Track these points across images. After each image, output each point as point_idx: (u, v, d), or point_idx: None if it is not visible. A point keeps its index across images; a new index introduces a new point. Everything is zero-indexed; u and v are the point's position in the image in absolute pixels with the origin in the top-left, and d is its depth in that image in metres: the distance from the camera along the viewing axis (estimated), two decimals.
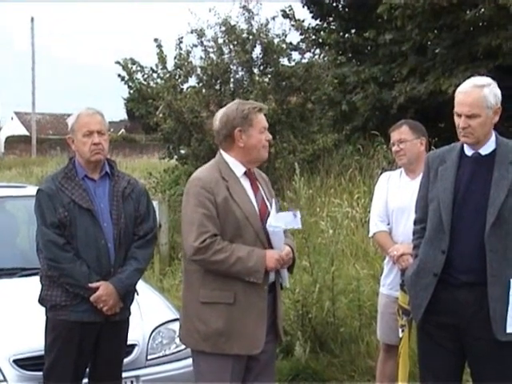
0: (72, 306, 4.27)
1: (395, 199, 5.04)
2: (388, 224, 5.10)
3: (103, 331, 4.34)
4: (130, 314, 4.53)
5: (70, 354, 4.28)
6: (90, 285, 4.23)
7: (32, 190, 6.89)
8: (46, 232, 4.26)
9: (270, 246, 3.98)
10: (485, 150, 3.89)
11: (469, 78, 3.98)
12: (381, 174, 5.69)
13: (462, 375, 4.10)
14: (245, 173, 4.09)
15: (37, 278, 4.64)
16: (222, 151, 4.13)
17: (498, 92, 3.86)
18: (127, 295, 4.43)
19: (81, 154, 4.38)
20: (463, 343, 3.89)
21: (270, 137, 4.13)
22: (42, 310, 4.45)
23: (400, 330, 4.75)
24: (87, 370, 4.47)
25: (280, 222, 3.98)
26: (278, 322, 4.12)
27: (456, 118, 3.87)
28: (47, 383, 4.35)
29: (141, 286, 4.72)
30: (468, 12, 13.32)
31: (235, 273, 3.86)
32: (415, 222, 4.20)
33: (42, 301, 4.40)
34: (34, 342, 4.65)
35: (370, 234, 5.28)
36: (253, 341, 3.93)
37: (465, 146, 3.94)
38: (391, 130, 5.16)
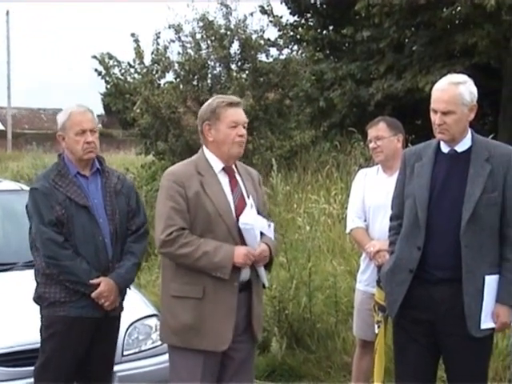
0: (71, 302, 4.26)
1: (372, 196, 5.06)
2: (365, 220, 5.12)
3: (100, 327, 4.34)
4: (122, 309, 4.54)
5: (66, 350, 4.26)
6: (92, 281, 4.23)
7: (7, 184, 6.84)
8: (44, 230, 4.23)
9: (244, 243, 3.96)
10: (461, 147, 3.91)
11: (445, 75, 4.01)
12: (358, 170, 5.71)
13: (437, 370, 4.13)
14: (223, 168, 4.07)
15: (9, 274, 4.59)
16: (203, 146, 4.13)
17: (474, 90, 3.88)
18: (122, 290, 4.45)
19: (73, 151, 4.37)
20: (437, 339, 3.92)
21: (243, 132, 4.04)
22: (17, 305, 4.41)
23: (376, 326, 4.77)
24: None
25: (253, 221, 3.95)
26: (253, 322, 4.09)
27: (432, 115, 3.90)
28: (40, 381, 4.30)
29: None
30: (445, 10, 13.40)
31: (201, 267, 3.86)
32: (391, 219, 4.22)
33: (38, 299, 4.35)
34: (10, 338, 4.62)
35: (347, 231, 5.30)
36: (219, 337, 3.92)
37: (441, 142, 3.96)
38: (368, 126, 5.17)
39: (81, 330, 4.26)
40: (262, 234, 4.06)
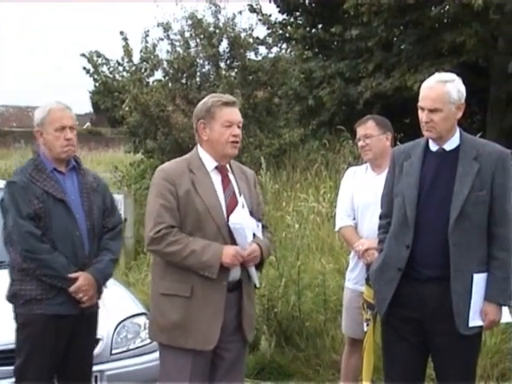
0: (48, 299, 4.20)
1: (361, 194, 5.06)
2: (354, 219, 5.12)
3: (77, 325, 4.29)
4: (99, 307, 4.50)
5: (45, 349, 4.20)
6: (71, 275, 4.18)
7: None
8: (22, 223, 4.17)
9: (234, 243, 3.94)
10: (449, 146, 3.92)
11: (434, 74, 4.02)
12: (347, 168, 5.72)
13: (426, 368, 4.13)
14: (216, 167, 4.06)
15: None
16: (197, 144, 4.12)
17: (462, 88, 3.89)
18: (100, 286, 4.41)
19: (51, 148, 4.33)
20: (426, 337, 3.93)
21: (237, 132, 4.02)
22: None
23: (365, 324, 4.78)
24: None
25: (243, 220, 3.92)
26: (243, 322, 4.05)
27: (420, 113, 3.91)
28: (21, 381, 4.24)
29: None
30: (433, 9, 13.46)
31: (189, 266, 3.85)
32: (380, 217, 4.23)
33: (12, 297, 4.27)
34: None
35: (336, 229, 5.31)
36: (206, 336, 3.90)
37: (429, 141, 3.97)
38: (357, 125, 5.18)
39: (58, 328, 4.21)
40: (255, 234, 4.05)
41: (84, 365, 4.46)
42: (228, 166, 4.14)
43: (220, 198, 3.99)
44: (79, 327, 4.31)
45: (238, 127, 4.05)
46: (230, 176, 4.12)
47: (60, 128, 4.29)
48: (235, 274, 3.97)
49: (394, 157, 4.13)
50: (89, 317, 4.38)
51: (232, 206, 3.98)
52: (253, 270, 4.06)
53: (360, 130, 5.11)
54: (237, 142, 4.04)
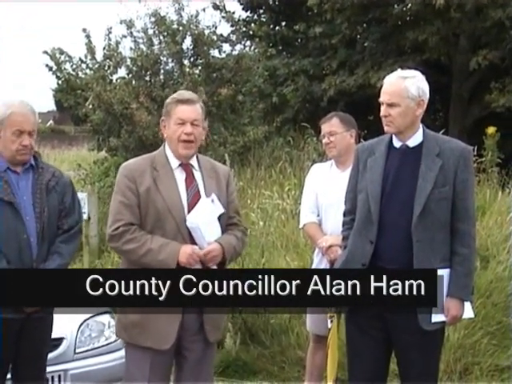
0: None
1: (325, 191, 5.07)
2: (318, 215, 5.13)
3: (25, 327, 4.15)
4: (51, 311, 4.33)
5: None
6: None
7: None
8: None
9: (194, 242, 3.89)
10: (412, 142, 3.95)
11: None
12: (311, 166, 5.73)
13: (389, 364, 4.15)
14: (180, 165, 4.02)
15: None
16: (165, 142, 4.09)
17: (423, 85, 3.91)
18: None
19: (6, 150, 4.18)
20: (389, 333, 3.94)
21: (189, 130, 3.93)
22: None
23: (329, 321, 4.79)
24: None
25: (200, 217, 3.86)
26: (204, 323, 3.95)
27: (381, 107, 3.94)
28: None
29: None
30: (396, 6, 13.58)
31: (147, 264, 3.80)
32: (344, 214, 4.23)
33: None
34: None
35: (300, 226, 5.32)
36: (163, 335, 3.86)
37: (393, 138, 3.99)
38: (322, 122, 5.19)
39: (4, 331, 4.04)
40: (223, 232, 4.00)
41: (37, 367, 4.32)
42: (196, 163, 4.09)
43: (182, 197, 3.94)
44: (27, 329, 4.17)
45: (193, 125, 3.96)
46: (196, 174, 4.06)
47: (18, 133, 4.15)
48: None
49: (357, 153, 4.14)
50: (38, 319, 4.21)
51: (194, 204, 3.93)
52: None
53: (324, 127, 5.12)
54: (190, 142, 3.96)
